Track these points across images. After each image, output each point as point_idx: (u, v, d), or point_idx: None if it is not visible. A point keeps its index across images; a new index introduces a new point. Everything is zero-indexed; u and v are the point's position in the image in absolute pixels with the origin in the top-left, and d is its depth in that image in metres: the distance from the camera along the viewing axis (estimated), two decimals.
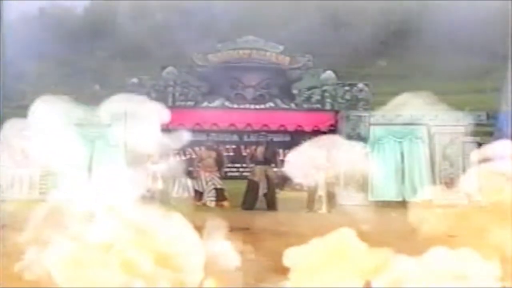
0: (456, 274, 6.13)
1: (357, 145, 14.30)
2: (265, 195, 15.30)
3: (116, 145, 13.47)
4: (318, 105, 18.21)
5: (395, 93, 14.82)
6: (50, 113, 9.82)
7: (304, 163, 12.89)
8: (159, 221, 6.71)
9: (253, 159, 15.92)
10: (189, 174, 16.08)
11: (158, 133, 11.26)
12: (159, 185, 14.36)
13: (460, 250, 6.34)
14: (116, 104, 11.83)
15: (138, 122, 11.36)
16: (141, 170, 11.24)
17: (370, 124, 16.22)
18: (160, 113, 11.38)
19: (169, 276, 6.44)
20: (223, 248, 6.98)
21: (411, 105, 14.71)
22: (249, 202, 15.25)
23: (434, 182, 15.31)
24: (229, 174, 17.31)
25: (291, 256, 6.55)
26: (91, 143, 14.88)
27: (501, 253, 6.70)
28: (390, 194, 15.48)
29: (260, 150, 15.77)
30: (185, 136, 14.24)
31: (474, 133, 15.63)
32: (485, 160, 8.83)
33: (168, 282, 6.39)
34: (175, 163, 15.36)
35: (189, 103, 18.00)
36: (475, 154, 10.28)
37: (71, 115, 12.35)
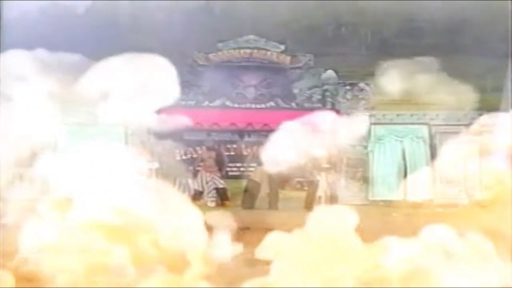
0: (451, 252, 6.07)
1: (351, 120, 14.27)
2: (267, 194, 15.33)
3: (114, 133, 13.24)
4: (319, 105, 18.20)
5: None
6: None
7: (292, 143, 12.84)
8: (161, 206, 6.69)
9: (254, 158, 15.92)
10: (190, 173, 16.08)
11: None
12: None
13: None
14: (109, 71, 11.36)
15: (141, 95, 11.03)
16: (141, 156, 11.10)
17: (371, 124, 16.22)
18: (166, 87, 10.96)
19: (166, 261, 6.41)
20: (223, 246, 6.96)
21: (393, 74, 14.62)
22: (248, 202, 15.25)
23: (435, 181, 15.29)
24: (230, 173, 17.31)
25: (278, 250, 6.48)
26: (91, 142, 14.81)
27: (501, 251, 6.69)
28: (391, 193, 15.46)
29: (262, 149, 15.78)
30: (186, 136, 14.20)
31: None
32: (483, 131, 8.78)
33: (164, 267, 6.36)
34: (176, 162, 15.36)
35: (190, 102, 17.98)
36: (475, 126, 10.20)
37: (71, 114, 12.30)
